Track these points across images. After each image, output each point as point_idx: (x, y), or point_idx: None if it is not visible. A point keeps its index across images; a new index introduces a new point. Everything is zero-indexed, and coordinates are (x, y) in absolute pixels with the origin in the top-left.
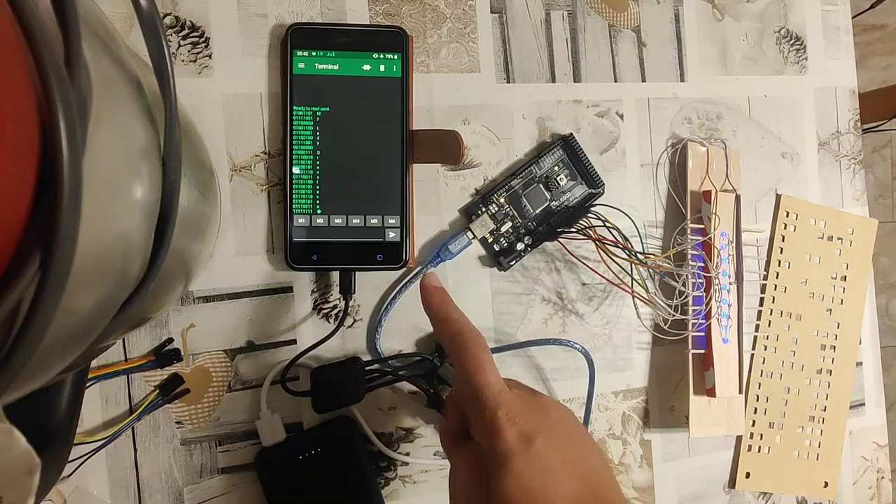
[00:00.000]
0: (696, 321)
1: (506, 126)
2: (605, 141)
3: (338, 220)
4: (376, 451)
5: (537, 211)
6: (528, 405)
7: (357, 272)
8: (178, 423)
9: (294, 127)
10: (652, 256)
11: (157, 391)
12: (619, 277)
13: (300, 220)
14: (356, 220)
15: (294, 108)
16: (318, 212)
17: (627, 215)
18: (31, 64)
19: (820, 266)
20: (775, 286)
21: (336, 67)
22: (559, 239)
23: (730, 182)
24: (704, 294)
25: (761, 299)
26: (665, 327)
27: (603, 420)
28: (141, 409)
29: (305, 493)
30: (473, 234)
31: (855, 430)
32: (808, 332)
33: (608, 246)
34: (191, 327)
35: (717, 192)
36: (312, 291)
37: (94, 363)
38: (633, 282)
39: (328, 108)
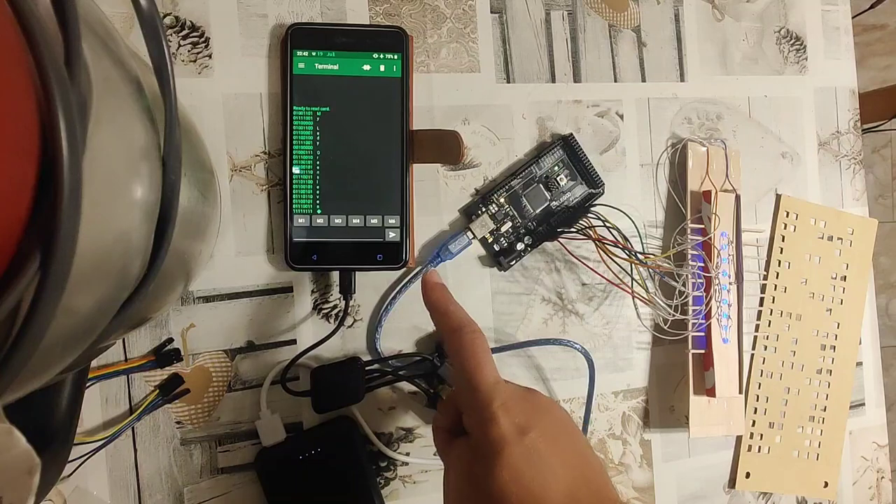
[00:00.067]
0: (696, 321)
1: (506, 126)
2: (605, 141)
3: (338, 220)
4: (376, 451)
5: (537, 211)
6: (522, 399)
7: (357, 272)
8: (178, 423)
9: (294, 127)
10: (652, 256)
11: (157, 391)
12: (619, 277)
13: (300, 220)
14: (356, 220)
15: (294, 108)
16: (318, 212)
17: (627, 215)
18: (31, 64)
19: (820, 266)
20: (775, 286)
21: (336, 67)
22: (559, 239)
23: (730, 182)
24: (704, 294)
25: (761, 299)
26: (665, 327)
27: (603, 420)
28: (141, 409)
29: (305, 493)
30: (473, 234)
31: (855, 430)
32: (808, 332)
33: (608, 246)
34: (191, 327)
35: (717, 192)
36: (312, 291)
37: (94, 363)
38: (633, 282)
39: (328, 108)
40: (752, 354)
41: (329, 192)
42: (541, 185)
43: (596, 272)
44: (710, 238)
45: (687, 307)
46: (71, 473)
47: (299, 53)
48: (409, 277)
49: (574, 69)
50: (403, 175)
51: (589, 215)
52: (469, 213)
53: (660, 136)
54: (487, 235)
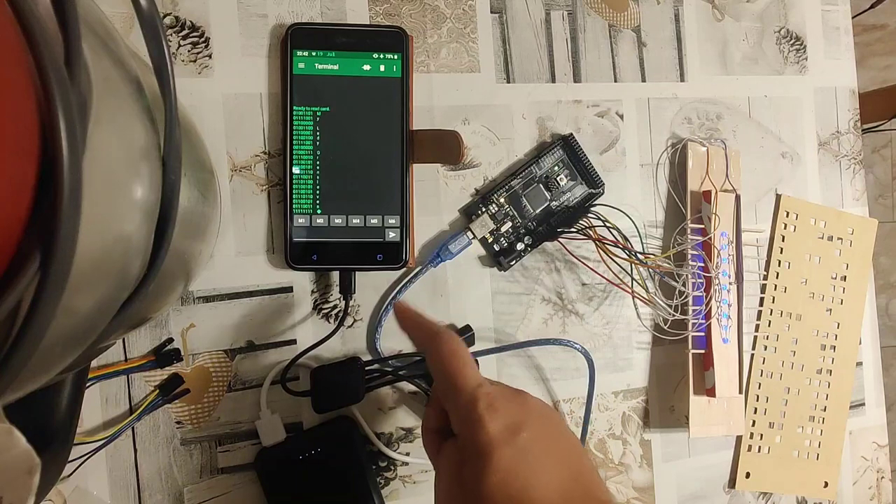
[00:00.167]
0: (696, 321)
1: (506, 126)
2: (605, 141)
3: (338, 220)
4: (376, 451)
5: (537, 211)
6: (510, 400)
7: (357, 272)
8: (178, 423)
9: (294, 127)
10: (652, 256)
11: (157, 391)
12: (619, 277)
13: (300, 220)
14: (356, 220)
15: (294, 108)
16: (318, 212)
17: (627, 215)
18: (31, 64)
19: (820, 266)
20: (775, 286)
21: (336, 67)
22: (559, 239)
23: (730, 182)
24: (704, 294)
25: (761, 299)
26: (665, 327)
27: (603, 420)
28: (141, 409)
29: (305, 493)
30: (473, 234)
31: (855, 430)
32: (808, 332)
33: (608, 246)
34: (191, 327)
35: (717, 192)
36: (312, 291)
37: (94, 363)
38: (633, 282)
39: (328, 108)
40: (752, 354)
41: (329, 192)
42: (541, 185)
43: (596, 272)
44: (710, 238)
45: (687, 307)
46: (71, 473)
47: (299, 53)
48: (409, 277)
49: (574, 69)
50: (403, 175)
51: (589, 215)
52: (469, 213)
53: (660, 136)
54: (487, 235)
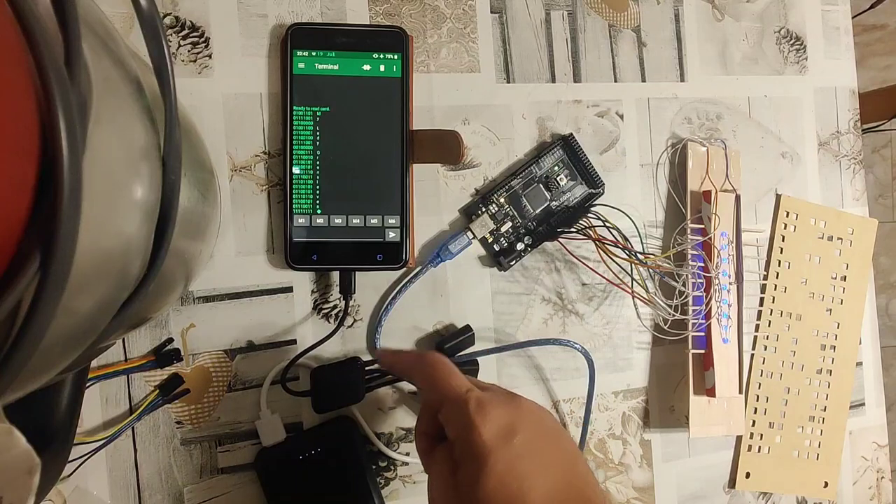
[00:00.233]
0: (696, 321)
1: (506, 126)
2: (605, 141)
3: (338, 220)
4: (376, 451)
5: (537, 211)
6: (503, 404)
7: (357, 272)
8: (178, 423)
9: (294, 127)
10: (652, 256)
11: (157, 391)
12: (619, 277)
13: (300, 220)
14: (356, 220)
15: (294, 108)
16: (318, 212)
17: (627, 215)
18: (31, 64)
19: (820, 266)
20: (775, 286)
21: (336, 67)
22: (559, 239)
23: (730, 182)
24: (704, 294)
25: (761, 299)
26: (665, 327)
27: (603, 420)
28: (141, 409)
29: (305, 493)
30: (473, 234)
31: (855, 430)
32: (808, 332)
33: (608, 246)
34: (191, 327)
35: (717, 192)
36: (312, 291)
37: (94, 363)
38: (633, 282)
39: (328, 108)
40: (752, 354)
41: (329, 192)
42: (541, 185)
43: (596, 272)
44: (710, 238)
45: (687, 307)
46: (71, 473)
47: (299, 53)
48: (409, 277)
49: (574, 69)
50: (403, 175)
51: (589, 215)
52: (469, 213)
53: (660, 136)
54: (487, 235)
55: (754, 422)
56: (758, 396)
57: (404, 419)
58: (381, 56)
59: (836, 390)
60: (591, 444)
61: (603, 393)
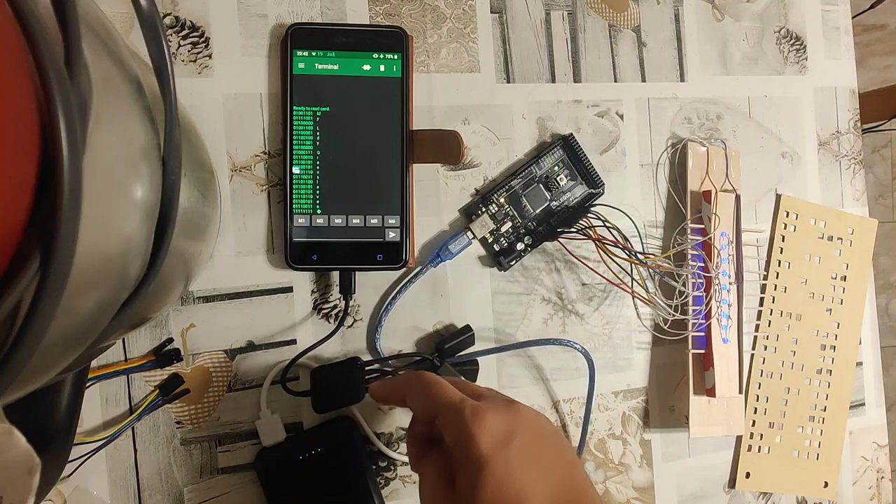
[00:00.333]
0: (696, 321)
1: (506, 126)
2: (605, 141)
3: (338, 220)
4: (376, 451)
5: (537, 211)
6: (500, 411)
7: (357, 272)
8: (178, 423)
9: (294, 127)
10: (652, 256)
11: (157, 391)
12: (619, 277)
13: (300, 220)
14: (356, 220)
15: (294, 108)
16: (318, 212)
17: (627, 215)
18: (31, 64)
19: (820, 266)
20: (775, 286)
21: (336, 67)
22: (559, 239)
23: (730, 182)
24: (704, 294)
25: (761, 299)
26: (665, 327)
27: (603, 420)
28: (141, 409)
29: (305, 493)
30: (473, 234)
31: (855, 430)
32: (808, 332)
33: (608, 246)
34: (191, 327)
35: (717, 192)
36: (312, 291)
37: (94, 363)
38: (633, 282)
39: (328, 108)
40: (752, 354)
41: (329, 192)
42: (541, 185)
43: (596, 272)
44: (710, 238)
45: (687, 307)
46: (71, 473)
47: (299, 53)
48: (409, 277)
49: (574, 69)
50: (403, 175)
51: (589, 215)
52: (469, 213)
53: (660, 136)
54: (487, 235)
55: (754, 422)
56: (758, 396)
57: (404, 419)
58: (381, 56)
59: (836, 390)
60: (591, 444)
61: (603, 393)
